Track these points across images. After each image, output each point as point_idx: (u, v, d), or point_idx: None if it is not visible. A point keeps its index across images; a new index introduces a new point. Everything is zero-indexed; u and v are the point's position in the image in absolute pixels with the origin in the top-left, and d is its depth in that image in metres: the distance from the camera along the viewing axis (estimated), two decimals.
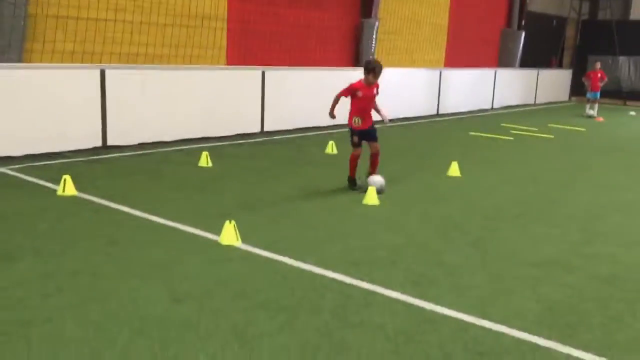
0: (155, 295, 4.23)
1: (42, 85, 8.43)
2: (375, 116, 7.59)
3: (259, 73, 11.55)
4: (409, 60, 17.03)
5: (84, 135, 8.91)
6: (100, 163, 8.45)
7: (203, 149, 9.24)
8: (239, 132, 11.20)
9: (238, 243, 5.34)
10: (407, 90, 15.22)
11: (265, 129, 11.72)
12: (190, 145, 9.94)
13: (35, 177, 7.38)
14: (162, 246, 5.24)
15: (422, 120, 15.47)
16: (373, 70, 7.28)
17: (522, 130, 14.39)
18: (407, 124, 14.53)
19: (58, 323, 3.75)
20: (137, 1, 10.17)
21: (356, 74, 13.52)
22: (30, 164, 7.99)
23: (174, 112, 10.00)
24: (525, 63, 21.42)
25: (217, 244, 5.34)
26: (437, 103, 16.64)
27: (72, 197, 6.57)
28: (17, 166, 7.84)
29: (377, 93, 7.54)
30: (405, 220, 6.40)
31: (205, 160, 8.61)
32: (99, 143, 9.16)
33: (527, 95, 21.21)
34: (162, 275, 4.60)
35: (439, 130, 13.96)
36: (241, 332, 3.76)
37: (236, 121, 11.17)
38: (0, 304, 3.96)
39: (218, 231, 5.46)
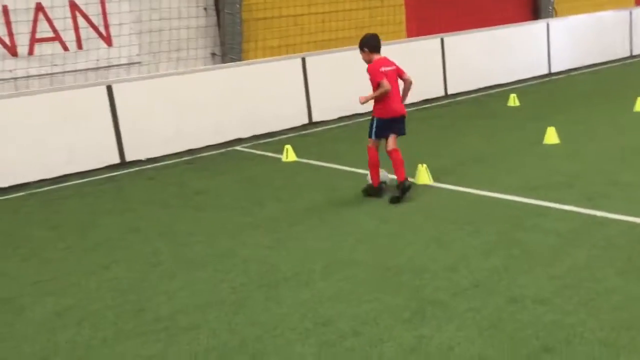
0: (367, 218, 5.49)
1: (259, 78, 10.23)
2: None
3: (438, 41, 12.37)
4: (595, 5, 16.45)
5: (294, 115, 10.59)
6: (310, 136, 10.05)
7: None
8: (424, 98, 12.16)
9: (430, 182, 6.40)
10: (594, 36, 14.86)
11: (449, 92, 12.52)
12: None
13: (262, 150, 9.15)
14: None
15: (614, 64, 14.97)
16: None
17: None
18: (596, 70, 14.26)
19: (302, 241, 5.16)
20: None
21: (536, 27, 13.74)
22: (256, 142, 9.83)
23: (364, 86, 11.27)
24: None
25: (413, 184, 6.45)
26: (629, 44, 15.91)
27: (294, 162, 8.16)
28: (247, 144, 9.72)
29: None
30: (584, 152, 6.95)
31: None
32: (306, 120, 10.79)
33: None
34: (371, 208, 5.84)
35: (629, 72, 13.53)
36: (437, 238, 4.84)
37: (421, 88, 12.09)
38: (261, 232, 5.51)
39: (412, 175, 6.56)
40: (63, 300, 4.40)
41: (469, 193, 5.94)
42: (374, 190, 6.13)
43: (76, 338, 3.82)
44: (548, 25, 13.98)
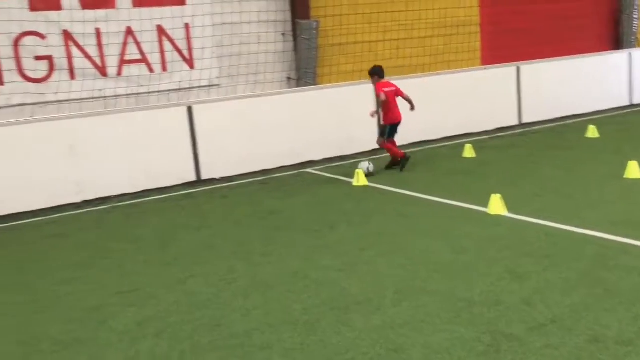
0: (440, 249, 5.46)
1: (332, 102, 10.41)
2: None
3: (514, 69, 12.20)
4: None
5: (365, 139, 10.66)
6: (381, 161, 10.07)
7: (466, 143, 10.30)
8: (497, 126, 11.98)
9: (505, 212, 6.30)
10: None
11: (523, 121, 12.29)
12: (454, 142, 11.08)
13: (333, 174, 9.27)
14: (440, 217, 6.47)
15: None
16: None
17: None
18: None
19: (373, 266, 5.19)
20: (401, 21, 11.79)
21: (618, 57, 13.33)
22: (328, 165, 9.97)
23: (437, 112, 11.25)
24: None
25: (485, 214, 6.37)
26: None
27: (365, 186, 8.21)
28: (319, 167, 9.87)
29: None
30: None
31: (469, 152, 9.68)
32: (377, 145, 10.82)
33: None
34: (443, 236, 5.81)
35: None
36: (512, 271, 4.76)
37: (494, 116, 11.99)
38: (332, 254, 5.57)
39: (485, 205, 6.49)
40: (143, 311, 4.59)
41: (545, 226, 5.81)
42: (403, 160, 8.89)
43: (155, 349, 3.98)
44: (630, 55, 13.53)
